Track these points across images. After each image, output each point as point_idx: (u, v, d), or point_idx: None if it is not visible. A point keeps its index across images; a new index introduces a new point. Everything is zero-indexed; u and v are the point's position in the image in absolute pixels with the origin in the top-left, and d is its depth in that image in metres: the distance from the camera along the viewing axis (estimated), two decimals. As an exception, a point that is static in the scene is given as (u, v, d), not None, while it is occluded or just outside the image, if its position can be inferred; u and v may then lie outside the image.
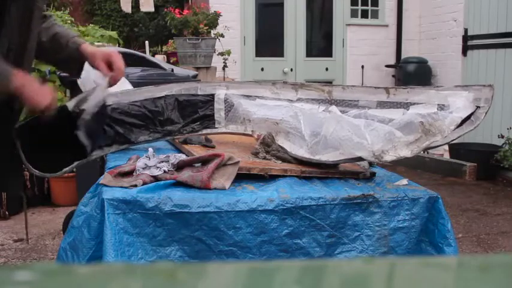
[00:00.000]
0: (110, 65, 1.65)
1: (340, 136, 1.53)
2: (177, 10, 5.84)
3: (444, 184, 5.26)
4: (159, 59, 4.67)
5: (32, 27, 1.55)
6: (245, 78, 6.39)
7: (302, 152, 1.67)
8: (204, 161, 1.54)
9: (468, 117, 1.54)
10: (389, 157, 1.48)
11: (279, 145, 1.73)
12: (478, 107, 1.54)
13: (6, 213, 3.96)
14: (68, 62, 1.75)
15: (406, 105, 1.63)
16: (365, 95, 1.73)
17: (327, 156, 1.61)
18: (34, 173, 1.62)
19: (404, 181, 1.65)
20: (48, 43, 1.69)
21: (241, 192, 1.46)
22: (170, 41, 6.28)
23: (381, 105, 1.68)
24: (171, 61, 5.81)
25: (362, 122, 1.52)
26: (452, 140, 1.56)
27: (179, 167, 1.54)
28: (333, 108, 1.66)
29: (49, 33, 1.70)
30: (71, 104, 1.62)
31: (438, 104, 1.58)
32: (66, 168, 1.66)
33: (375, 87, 1.75)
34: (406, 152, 1.48)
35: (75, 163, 1.67)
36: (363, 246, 1.47)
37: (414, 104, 1.62)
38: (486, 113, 1.54)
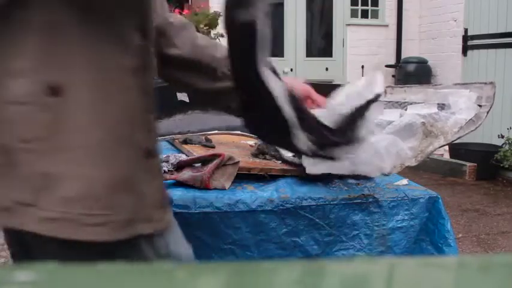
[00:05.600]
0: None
1: (360, 159, 1.33)
2: (177, 10, 5.84)
3: (444, 184, 5.26)
4: (159, 58, 4.66)
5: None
6: (245, 78, 6.39)
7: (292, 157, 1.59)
8: (204, 161, 1.54)
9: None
10: (395, 170, 1.44)
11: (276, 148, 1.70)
12: (479, 105, 1.47)
13: (6, 213, 3.96)
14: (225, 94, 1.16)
15: (404, 105, 1.57)
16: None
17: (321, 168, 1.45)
18: None
19: (405, 181, 1.65)
20: (193, 61, 1.18)
21: (241, 192, 1.46)
22: (170, 41, 6.28)
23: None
24: (171, 61, 5.80)
25: (383, 148, 1.33)
26: (453, 141, 1.51)
27: (179, 167, 1.54)
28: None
29: (197, 48, 1.19)
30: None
31: (438, 104, 1.52)
32: None
33: None
34: (411, 162, 1.43)
35: None
36: (360, 245, 1.47)
37: (412, 103, 1.56)
38: (488, 112, 1.46)
